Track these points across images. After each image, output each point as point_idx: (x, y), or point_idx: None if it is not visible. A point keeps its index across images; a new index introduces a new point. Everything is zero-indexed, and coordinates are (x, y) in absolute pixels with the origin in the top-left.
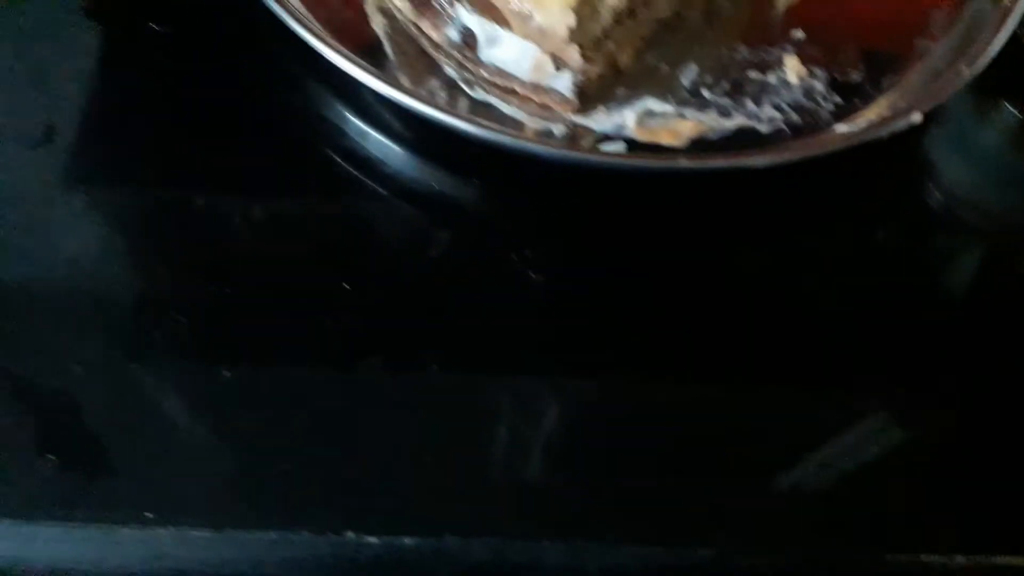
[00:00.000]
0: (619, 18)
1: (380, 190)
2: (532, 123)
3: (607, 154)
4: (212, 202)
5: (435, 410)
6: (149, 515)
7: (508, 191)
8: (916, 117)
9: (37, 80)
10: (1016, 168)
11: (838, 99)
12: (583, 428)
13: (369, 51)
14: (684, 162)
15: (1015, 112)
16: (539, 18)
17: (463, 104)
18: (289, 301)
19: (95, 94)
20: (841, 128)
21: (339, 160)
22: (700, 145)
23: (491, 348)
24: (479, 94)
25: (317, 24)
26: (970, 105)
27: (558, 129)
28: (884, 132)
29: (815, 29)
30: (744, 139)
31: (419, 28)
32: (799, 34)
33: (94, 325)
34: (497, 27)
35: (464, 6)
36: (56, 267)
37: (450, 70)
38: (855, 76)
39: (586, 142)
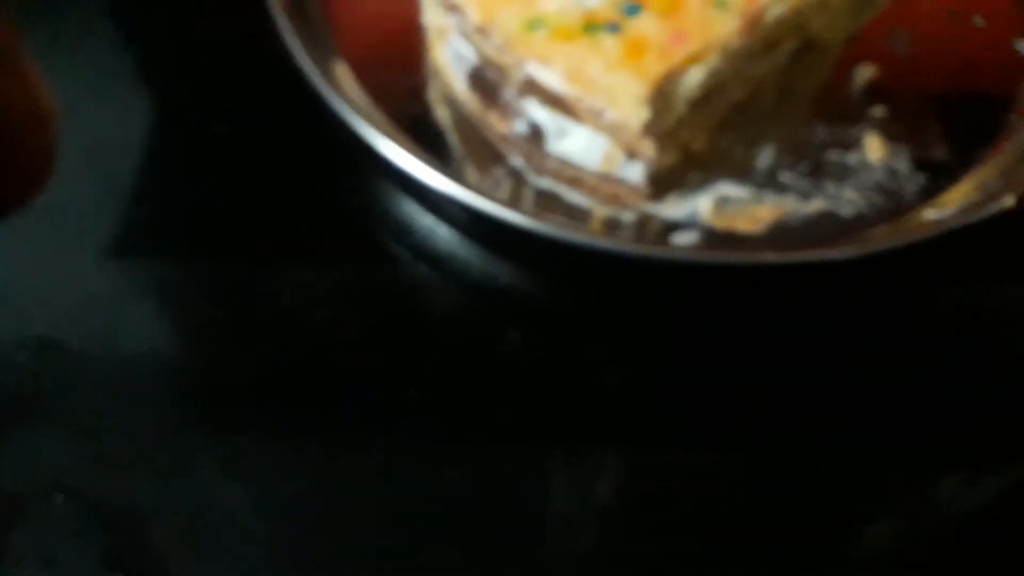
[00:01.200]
0: (694, 106)
1: (449, 286)
2: (601, 212)
3: (682, 248)
4: (279, 303)
5: (508, 515)
6: None
7: (580, 284)
8: (1008, 201)
9: (105, 182)
10: None
11: (922, 179)
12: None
13: (433, 142)
14: (770, 256)
15: None
16: (612, 113)
17: (529, 193)
18: (359, 406)
19: (163, 196)
20: (930, 214)
21: (406, 254)
22: (779, 231)
23: (565, 450)
24: (546, 183)
25: (381, 117)
26: None
27: (627, 217)
28: (974, 218)
29: (896, 106)
30: (825, 223)
31: (484, 122)
32: (880, 111)
33: (168, 437)
34: (568, 120)
35: (534, 101)
36: (130, 375)
37: (516, 160)
38: (939, 154)
39: (656, 230)
